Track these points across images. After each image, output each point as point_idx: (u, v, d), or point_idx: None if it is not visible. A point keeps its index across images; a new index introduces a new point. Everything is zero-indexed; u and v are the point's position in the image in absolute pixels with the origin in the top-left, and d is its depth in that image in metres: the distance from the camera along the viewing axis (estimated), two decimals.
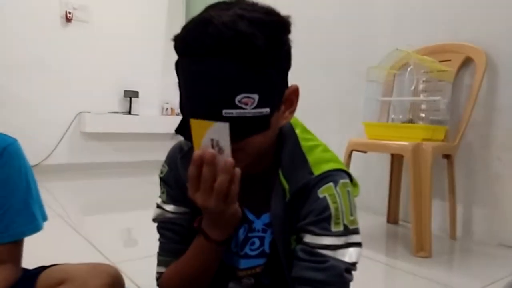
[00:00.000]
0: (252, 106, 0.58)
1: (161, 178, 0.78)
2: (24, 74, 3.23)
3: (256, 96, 0.58)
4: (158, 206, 0.77)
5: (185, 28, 0.59)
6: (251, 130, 0.59)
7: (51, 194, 2.62)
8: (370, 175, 2.39)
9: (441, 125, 1.91)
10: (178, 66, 0.61)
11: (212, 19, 0.55)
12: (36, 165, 3.23)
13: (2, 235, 0.77)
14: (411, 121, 1.91)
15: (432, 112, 1.92)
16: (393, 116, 2.10)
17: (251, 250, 0.72)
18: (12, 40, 3.16)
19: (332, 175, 0.65)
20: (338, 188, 0.64)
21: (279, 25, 0.60)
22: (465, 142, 1.96)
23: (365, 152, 2.00)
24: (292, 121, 0.71)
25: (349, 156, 1.93)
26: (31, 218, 0.81)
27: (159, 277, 0.77)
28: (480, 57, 1.89)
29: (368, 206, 2.29)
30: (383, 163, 2.29)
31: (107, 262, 1.44)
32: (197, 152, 0.58)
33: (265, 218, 0.71)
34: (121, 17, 3.68)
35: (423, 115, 1.91)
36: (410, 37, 2.18)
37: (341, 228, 0.62)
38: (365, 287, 1.27)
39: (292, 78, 0.66)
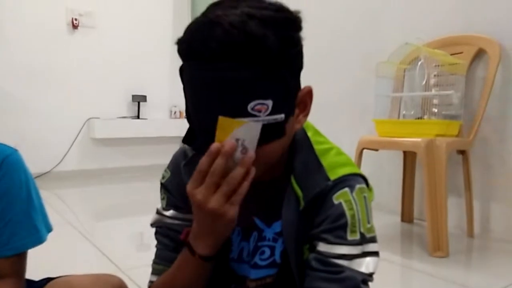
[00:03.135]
0: (266, 113, 0.54)
1: (162, 184, 0.75)
2: (33, 82, 3.24)
3: (270, 102, 0.54)
4: (158, 212, 0.75)
5: (190, 30, 0.55)
6: (266, 138, 0.55)
7: (62, 201, 2.63)
8: (382, 174, 2.33)
9: (455, 120, 1.85)
10: (183, 71, 0.57)
11: (218, 19, 0.51)
12: (47, 172, 3.25)
13: (4, 248, 0.75)
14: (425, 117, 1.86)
15: (445, 107, 1.86)
16: (404, 112, 2.04)
17: (261, 260, 0.68)
18: (20, 48, 3.18)
19: (348, 180, 0.61)
20: (354, 194, 0.60)
21: (291, 23, 0.56)
22: (481, 136, 1.90)
23: (376, 150, 1.95)
24: None
25: (360, 155, 1.89)
26: (33, 230, 0.79)
27: (151, 286, 0.73)
28: (493, 48, 1.83)
29: (381, 205, 2.24)
30: (395, 161, 2.23)
31: (116, 269, 1.43)
32: (216, 144, 0.53)
33: (276, 226, 0.67)
34: (127, 21, 3.68)
35: (436, 110, 1.85)
36: (419, 30, 2.12)
37: (357, 236, 0.59)
38: None
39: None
